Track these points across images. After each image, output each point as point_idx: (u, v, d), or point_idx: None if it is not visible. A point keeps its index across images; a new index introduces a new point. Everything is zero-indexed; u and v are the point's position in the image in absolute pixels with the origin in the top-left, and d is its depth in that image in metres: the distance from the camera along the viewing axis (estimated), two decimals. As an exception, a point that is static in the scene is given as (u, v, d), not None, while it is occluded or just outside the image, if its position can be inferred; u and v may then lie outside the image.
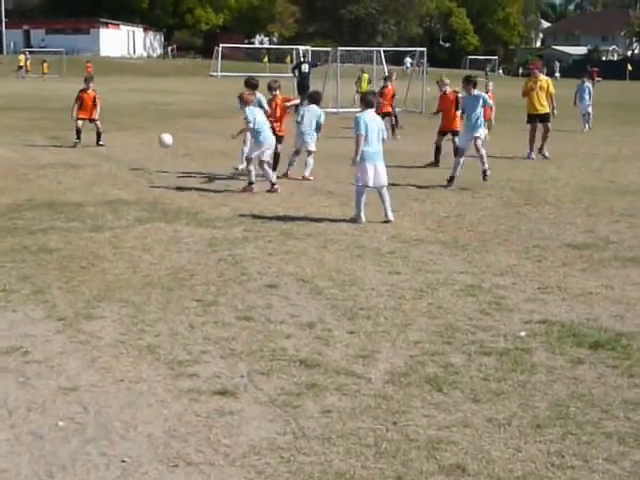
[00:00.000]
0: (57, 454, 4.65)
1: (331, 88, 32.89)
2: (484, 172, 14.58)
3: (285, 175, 15.04)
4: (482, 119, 14.64)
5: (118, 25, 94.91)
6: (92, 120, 19.84)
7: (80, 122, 19.62)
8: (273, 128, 13.95)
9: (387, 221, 11.12)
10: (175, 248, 9.61)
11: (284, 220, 11.22)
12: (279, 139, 14.56)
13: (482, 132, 14.61)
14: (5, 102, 35.20)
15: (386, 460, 4.58)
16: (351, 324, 6.95)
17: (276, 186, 13.50)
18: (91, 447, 4.74)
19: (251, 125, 13.30)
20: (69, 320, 6.93)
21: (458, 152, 14.66)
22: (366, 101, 11.58)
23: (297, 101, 17.45)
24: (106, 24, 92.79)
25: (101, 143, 19.76)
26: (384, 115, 22.66)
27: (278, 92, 15.17)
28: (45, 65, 64.58)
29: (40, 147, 19.36)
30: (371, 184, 11.12)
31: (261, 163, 13.46)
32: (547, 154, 19.15)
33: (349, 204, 12.42)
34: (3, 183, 14.14)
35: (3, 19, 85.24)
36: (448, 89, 17.69)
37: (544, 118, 19.12)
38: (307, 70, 32.37)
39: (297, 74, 32.56)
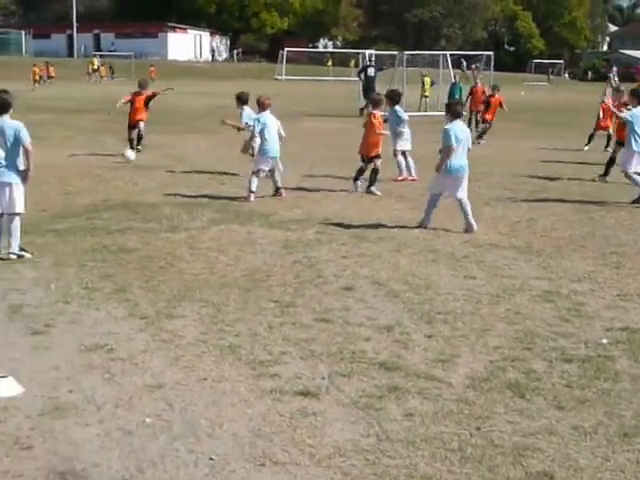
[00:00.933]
0: (146, 450, 4.75)
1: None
2: None
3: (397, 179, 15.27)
4: None
5: (185, 29, 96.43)
6: (139, 121, 18.78)
7: (132, 131, 18.81)
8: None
9: (468, 230, 10.80)
10: (250, 249, 9.71)
11: (356, 223, 11.26)
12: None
13: None
14: (77, 105, 35.88)
15: (472, 465, 4.58)
16: (429, 328, 6.96)
17: (281, 190, 13.35)
18: (179, 444, 4.83)
19: (254, 130, 13.13)
20: (151, 319, 7.07)
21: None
22: (454, 111, 11.19)
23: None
24: (174, 28, 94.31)
25: (139, 148, 18.75)
26: (483, 120, 22.78)
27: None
28: (103, 68, 65.46)
29: (113, 149, 19.68)
30: (447, 194, 10.92)
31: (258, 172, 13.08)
32: None
33: (420, 208, 12.40)
34: (80, 184, 14.45)
35: (74, 23, 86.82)
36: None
37: None
38: (373, 74, 32.39)
39: (363, 78, 32.59)
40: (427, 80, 35.83)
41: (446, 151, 10.75)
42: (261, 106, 13.24)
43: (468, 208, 10.86)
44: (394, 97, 15.84)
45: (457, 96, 30.41)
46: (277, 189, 13.32)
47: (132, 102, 18.87)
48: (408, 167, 15.56)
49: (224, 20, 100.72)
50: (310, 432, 4.99)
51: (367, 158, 13.93)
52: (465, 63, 44.40)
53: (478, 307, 7.57)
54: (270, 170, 13.13)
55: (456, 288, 8.18)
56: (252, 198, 12.87)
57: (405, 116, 15.72)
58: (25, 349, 6.30)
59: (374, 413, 5.25)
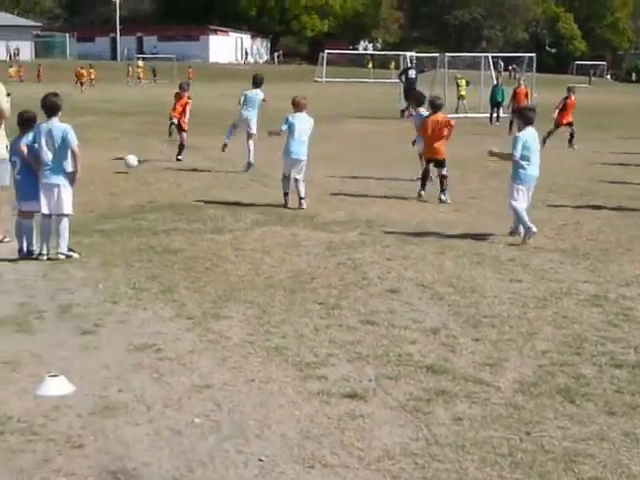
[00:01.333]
0: (196, 450, 4.78)
1: (437, 94, 32.83)
2: None
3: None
4: None
5: (227, 32, 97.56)
6: (181, 129, 18.31)
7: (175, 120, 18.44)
8: None
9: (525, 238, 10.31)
10: (294, 251, 9.74)
11: (399, 225, 11.25)
12: None
13: None
14: (120, 107, 36.21)
15: (522, 471, 4.55)
16: (475, 331, 6.92)
17: (302, 201, 12.61)
18: (228, 444, 4.85)
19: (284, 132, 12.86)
20: (198, 319, 7.11)
21: None
22: (525, 118, 10.48)
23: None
24: (215, 31, 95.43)
25: (180, 158, 18.01)
26: (568, 124, 22.53)
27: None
28: (139, 70, 65.92)
29: (157, 150, 19.81)
30: (525, 205, 10.34)
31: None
32: None
33: (463, 210, 12.40)
34: (125, 185, 14.60)
35: (118, 26, 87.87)
36: None
37: None
38: (414, 76, 32.38)
39: (404, 80, 32.57)
40: (462, 82, 35.75)
41: (509, 159, 10.37)
42: (296, 106, 12.87)
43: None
44: (419, 98, 15.61)
45: (499, 99, 30.28)
46: (300, 199, 12.60)
47: (175, 103, 18.57)
48: None
49: (265, 23, 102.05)
50: (358, 435, 4.99)
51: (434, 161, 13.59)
52: (502, 64, 44.27)
53: (525, 311, 7.52)
54: (295, 179, 12.61)
55: (502, 291, 8.14)
56: (289, 201, 12.56)
57: None
58: (75, 348, 6.37)
59: (422, 416, 5.24)
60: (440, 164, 13.54)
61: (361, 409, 5.35)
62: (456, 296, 7.94)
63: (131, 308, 7.42)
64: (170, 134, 19.11)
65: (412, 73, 32.58)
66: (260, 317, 7.21)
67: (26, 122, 9.23)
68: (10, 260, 9.06)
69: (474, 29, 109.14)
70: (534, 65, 35.91)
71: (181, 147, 18.21)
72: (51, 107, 9.12)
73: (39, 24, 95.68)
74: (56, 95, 9.32)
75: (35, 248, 9.17)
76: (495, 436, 4.97)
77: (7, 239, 9.82)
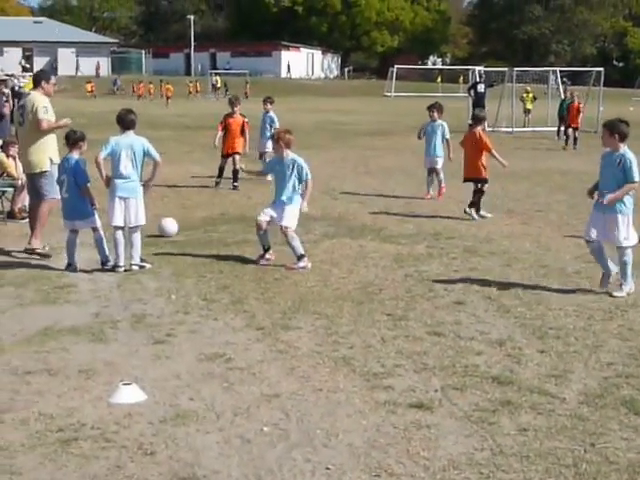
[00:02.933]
0: (264, 458, 4.90)
1: (506, 108, 33.29)
2: None
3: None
4: None
5: (298, 48, 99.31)
6: (234, 153, 16.15)
7: (225, 160, 16.38)
8: None
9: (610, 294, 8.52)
10: (362, 263, 9.86)
11: (466, 237, 11.29)
12: None
13: None
14: (194, 121, 36.76)
15: (587, 481, 4.59)
16: (541, 343, 6.95)
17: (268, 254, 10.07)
18: (296, 453, 4.97)
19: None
20: (267, 330, 7.28)
21: None
22: (622, 134, 8.45)
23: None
24: (287, 47, 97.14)
25: (236, 185, 15.97)
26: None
27: None
28: (191, 86, 66.14)
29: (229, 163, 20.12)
30: (594, 236, 8.48)
31: None
32: None
33: (530, 222, 12.36)
34: (198, 198, 14.91)
35: (192, 42, 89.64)
36: None
37: None
38: (483, 90, 32.38)
39: (473, 94, 32.62)
40: (528, 96, 35.59)
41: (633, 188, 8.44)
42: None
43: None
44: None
45: (565, 112, 29.90)
46: (266, 249, 10.02)
47: (226, 127, 16.31)
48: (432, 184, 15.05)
49: (336, 39, 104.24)
50: (424, 444, 5.07)
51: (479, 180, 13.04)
52: (553, 78, 43.86)
53: (590, 323, 7.52)
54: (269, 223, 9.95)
55: (567, 303, 8.13)
56: (304, 264, 9.63)
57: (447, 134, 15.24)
58: (148, 357, 6.58)
59: (487, 427, 5.30)
60: (479, 181, 13.03)
61: (427, 419, 5.43)
62: (522, 308, 7.98)
63: (202, 318, 7.62)
64: (236, 176, 16.07)
65: (481, 87, 32.56)
66: (328, 328, 7.35)
67: (76, 141, 9.48)
68: (87, 271, 9.35)
69: (542, 44, 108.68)
70: (602, 79, 35.49)
71: (236, 173, 16.00)
72: (129, 122, 9.48)
73: (116, 41, 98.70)
74: (132, 112, 9.64)
75: (110, 260, 9.45)
76: (560, 447, 5.01)
77: (47, 247, 10.14)
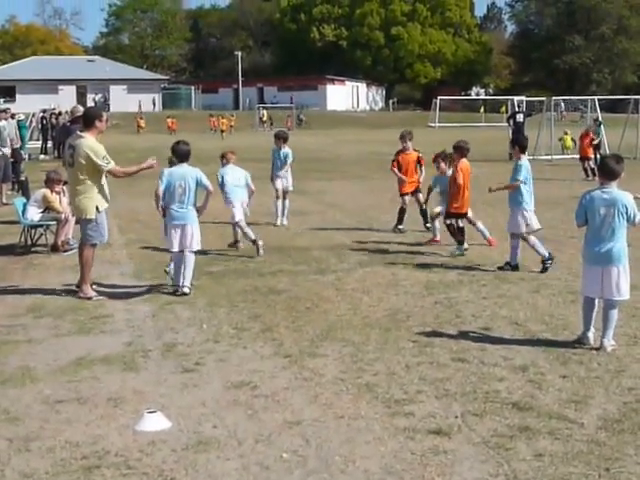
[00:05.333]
0: (281, 484, 5.02)
1: (545, 136, 33.67)
2: None
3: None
4: None
5: (343, 81, 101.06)
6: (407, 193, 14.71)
7: (407, 198, 14.79)
8: None
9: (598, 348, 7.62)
10: (393, 291, 9.97)
11: (498, 264, 11.28)
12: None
13: None
14: (241, 153, 37.12)
15: (598, 505, 4.63)
16: (564, 369, 6.99)
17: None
18: (312, 479, 5.07)
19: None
20: (294, 357, 7.41)
21: None
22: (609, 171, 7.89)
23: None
24: (332, 80, 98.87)
25: (428, 226, 14.32)
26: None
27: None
28: (223, 121, 65.13)
29: (269, 196, 20.35)
30: (598, 295, 7.82)
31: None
32: None
33: (561, 249, 12.27)
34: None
35: (240, 78, 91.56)
36: None
37: None
38: (522, 119, 32.78)
39: (512, 123, 33.02)
40: (567, 137, 35.51)
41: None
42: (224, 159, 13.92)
43: (612, 319, 7.70)
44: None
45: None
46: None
47: (399, 164, 14.79)
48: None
49: (380, 72, 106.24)
50: (440, 470, 5.14)
51: None
52: (563, 106, 43.67)
53: (614, 348, 7.52)
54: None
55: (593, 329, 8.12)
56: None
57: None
58: (175, 386, 6.74)
59: (504, 452, 5.35)
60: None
61: (445, 445, 5.50)
62: (548, 334, 8.02)
63: (232, 347, 7.78)
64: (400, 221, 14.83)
65: (520, 117, 32.94)
66: (354, 355, 7.46)
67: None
68: (125, 300, 9.61)
69: (583, 73, 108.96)
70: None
71: (424, 211, 14.65)
72: (185, 154, 10.13)
73: (166, 77, 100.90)
74: (186, 144, 10.25)
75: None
76: (574, 472, 5.05)
77: (94, 297, 9.86)
